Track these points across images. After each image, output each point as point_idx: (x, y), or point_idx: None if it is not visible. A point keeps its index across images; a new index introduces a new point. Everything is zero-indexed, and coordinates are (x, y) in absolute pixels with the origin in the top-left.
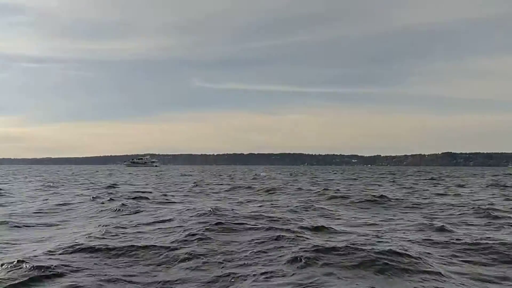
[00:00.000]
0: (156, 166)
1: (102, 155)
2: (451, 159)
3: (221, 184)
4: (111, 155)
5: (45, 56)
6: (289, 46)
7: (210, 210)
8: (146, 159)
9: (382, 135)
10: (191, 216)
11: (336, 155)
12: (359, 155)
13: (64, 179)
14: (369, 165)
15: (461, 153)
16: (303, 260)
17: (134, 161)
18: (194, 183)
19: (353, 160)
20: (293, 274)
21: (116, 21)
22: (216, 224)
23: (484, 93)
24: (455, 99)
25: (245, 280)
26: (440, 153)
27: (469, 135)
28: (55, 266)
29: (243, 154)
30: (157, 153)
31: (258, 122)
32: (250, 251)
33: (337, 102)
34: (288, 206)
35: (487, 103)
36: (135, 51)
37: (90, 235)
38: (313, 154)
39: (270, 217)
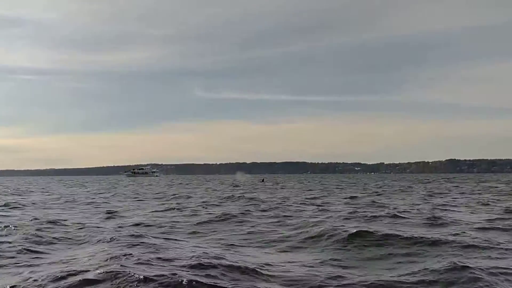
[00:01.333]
0: (156, 176)
1: (105, 166)
2: (455, 166)
3: None
4: (114, 166)
5: (45, 68)
6: (288, 56)
7: None
8: (147, 169)
9: (385, 142)
10: None
11: (339, 163)
12: (362, 162)
13: None
14: (372, 173)
15: (465, 160)
16: None
17: (135, 171)
18: None
19: (356, 168)
20: None
21: (115, 32)
22: None
23: (489, 99)
24: (459, 106)
25: None
26: (444, 160)
27: (473, 141)
28: None
29: (245, 163)
30: (159, 163)
31: (259, 131)
32: None
33: (338, 111)
34: None
35: (491, 109)
36: (135, 62)
37: None
38: (316, 162)
39: None
